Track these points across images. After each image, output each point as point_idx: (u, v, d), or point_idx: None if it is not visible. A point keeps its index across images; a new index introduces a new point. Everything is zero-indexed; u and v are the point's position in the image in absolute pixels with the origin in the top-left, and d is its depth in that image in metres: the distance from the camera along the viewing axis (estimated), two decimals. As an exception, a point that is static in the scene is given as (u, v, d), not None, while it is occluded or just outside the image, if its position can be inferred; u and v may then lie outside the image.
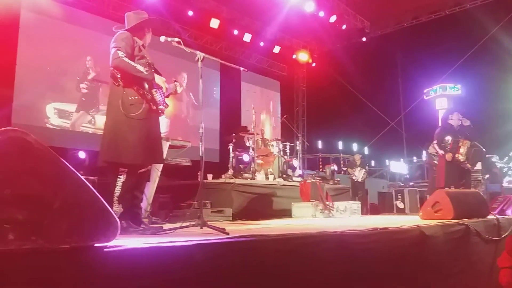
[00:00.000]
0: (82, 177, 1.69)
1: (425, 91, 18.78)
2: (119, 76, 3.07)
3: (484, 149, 5.62)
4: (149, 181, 4.30)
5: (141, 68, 3.11)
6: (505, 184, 10.97)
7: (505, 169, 13.32)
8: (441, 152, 5.95)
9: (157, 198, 5.28)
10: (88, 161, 6.35)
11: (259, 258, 2.19)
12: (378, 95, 13.94)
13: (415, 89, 15.99)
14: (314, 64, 12.61)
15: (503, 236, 4.21)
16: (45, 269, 1.47)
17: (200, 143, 3.25)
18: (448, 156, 5.85)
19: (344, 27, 11.07)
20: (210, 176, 6.17)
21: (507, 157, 14.60)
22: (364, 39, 11.67)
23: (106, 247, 1.68)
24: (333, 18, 10.60)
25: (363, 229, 3.06)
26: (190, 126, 9.67)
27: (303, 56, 12.35)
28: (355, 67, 12.02)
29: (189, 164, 5.57)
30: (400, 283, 2.93)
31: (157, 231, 2.95)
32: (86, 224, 1.65)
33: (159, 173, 4.79)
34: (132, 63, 3.08)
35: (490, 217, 4.52)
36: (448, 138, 5.78)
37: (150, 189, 4.62)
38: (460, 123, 5.89)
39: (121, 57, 3.02)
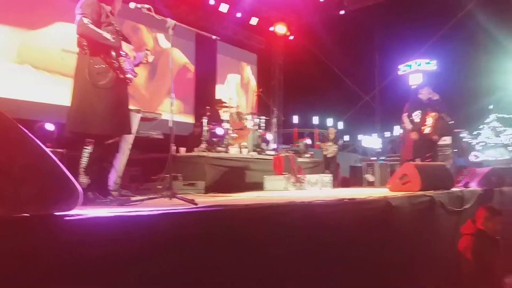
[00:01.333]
0: (42, 146, 1.63)
1: (399, 66, 19.00)
2: (85, 43, 2.96)
3: (452, 121, 5.67)
4: (117, 152, 4.22)
5: (107, 35, 2.99)
6: (472, 158, 11.38)
7: (472, 144, 13.81)
8: (409, 126, 6.02)
9: (128, 171, 5.21)
10: (56, 134, 6.16)
11: (226, 228, 2.20)
12: (354, 70, 14.00)
13: (391, 64, 16.15)
14: (292, 37, 12.48)
15: (465, 207, 4.39)
16: (6, 238, 1.44)
17: (171, 113, 3.19)
18: (414, 135, 5.94)
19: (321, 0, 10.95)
20: (183, 150, 6.11)
21: (475, 132, 15.10)
22: (342, 12, 11.58)
23: (67, 215, 1.66)
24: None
25: (330, 199, 3.13)
26: (162, 97, 9.48)
27: (280, 29, 12.19)
28: (332, 41, 11.97)
29: (160, 137, 5.47)
30: (366, 251, 3.02)
31: (124, 202, 2.92)
32: (47, 192, 1.62)
33: (130, 146, 4.70)
34: (99, 30, 2.96)
35: (454, 189, 4.70)
36: (417, 112, 5.81)
37: (121, 162, 4.53)
38: (430, 97, 5.90)
39: (87, 24, 2.89)
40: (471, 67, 13.35)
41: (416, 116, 5.79)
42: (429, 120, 5.65)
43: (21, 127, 1.59)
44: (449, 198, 4.21)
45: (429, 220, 3.88)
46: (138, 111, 4.71)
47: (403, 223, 3.53)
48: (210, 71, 10.82)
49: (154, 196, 3.06)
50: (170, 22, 3.23)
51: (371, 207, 3.26)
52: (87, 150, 3.04)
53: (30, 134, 1.62)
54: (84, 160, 3.01)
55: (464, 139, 12.15)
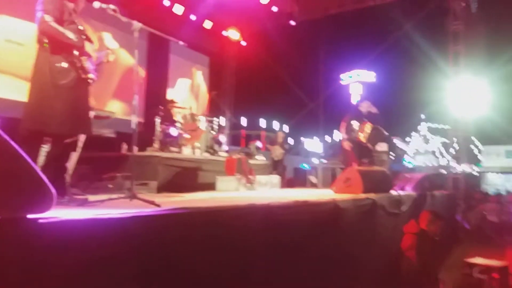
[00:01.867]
0: (17, 147, 1.62)
1: (341, 76, 20.04)
2: (46, 41, 2.89)
3: (386, 133, 6.44)
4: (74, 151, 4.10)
5: (70, 34, 2.95)
6: (405, 164, 12.32)
7: (405, 151, 14.94)
8: (345, 135, 6.60)
9: (77, 169, 5.05)
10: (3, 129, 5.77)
11: (192, 230, 2.29)
12: (301, 77, 14.54)
13: (334, 74, 17.00)
14: (244, 43, 12.66)
15: (403, 209, 4.83)
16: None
17: (133, 115, 3.20)
18: (346, 145, 6.55)
19: (274, 9, 11.25)
20: (135, 149, 6.01)
21: (408, 139, 16.33)
22: (292, 22, 11.98)
23: (40, 218, 1.66)
24: (265, 0, 10.72)
25: (286, 202, 3.32)
26: (106, 98, 9.19)
27: (233, 34, 12.32)
28: (282, 49, 12.37)
29: (113, 135, 5.38)
30: (317, 249, 3.25)
31: (83, 203, 2.89)
32: (20, 195, 1.61)
33: (81, 144, 4.57)
34: (61, 28, 2.91)
35: (393, 192, 5.13)
36: (356, 122, 6.36)
37: (72, 160, 4.40)
38: (369, 110, 6.47)
39: (48, 21, 2.83)
40: (408, 82, 14.46)
41: (355, 125, 6.29)
42: (365, 130, 6.16)
43: (-5, 129, 1.58)
44: (389, 201, 4.61)
45: (371, 221, 4.22)
46: (91, 109, 4.58)
47: (349, 223, 3.82)
48: (162, 72, 10.66)
49: (115, 196, 3.04)
50: (136, 25, 3.24)
51: (322, 209, 3.50)
52: (44, 149, 2.97)
53: (4, 136, 1.61)
54: (41, 159, 2.93)
55: (398, 146, 13.11)
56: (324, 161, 10.11)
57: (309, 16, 12.16)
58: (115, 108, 8.76)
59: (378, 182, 5.08)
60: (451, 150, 10.56)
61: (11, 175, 1.59)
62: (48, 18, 2.84)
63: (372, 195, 4.43)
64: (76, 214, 1.94)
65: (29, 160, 1.67)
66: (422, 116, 15.17)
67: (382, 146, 10.26)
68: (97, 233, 1.82)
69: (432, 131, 15.18)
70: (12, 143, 1.63)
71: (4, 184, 1.56)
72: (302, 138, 16.01)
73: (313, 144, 16.09)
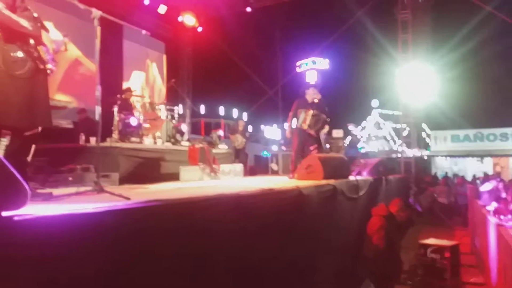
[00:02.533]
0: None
1: (297, 63, 20.36)
2: None
3: (328, 119, 6.45)
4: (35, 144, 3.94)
5: (25, 22, 2.81)
6: (359, 149, 12.86)
7: (359, 137, 15.57)
8: (290, 125, 6.64)
9: (33, 161, 4.83)
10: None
11: (165, 221, 2.32)
12: (259, 64, 14.62)
13: (292, 61, 17.22)
14: (200, 29, 12.48)
15: (360, 194, 5.10)
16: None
17: (97, 106, 3.13)
18: (288, 133, 6.74)
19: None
20: (92, 140, 5.84)
21: (360, 126, 16.98)
22: (248, 9, 11.96)
23: (15, 216, 1.63)
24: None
25: (254, 190, 3.41)
26: (72, 84, 8.76)
27: (189, 20, 12.10)
28: (239, 36, 12.35)
29: (70, 126, 5.19)
30: (283, 235, 3.39)
31: (48, 198, 2.81)
32: (-7, 193, 1.57)
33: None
34: (14, 16, 2.76)
35: (351, 178, 5.38)
36: (301, 111, 6.42)
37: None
38: (314, 97, 6.56)
39: (0, 9, 2.68)
40: (361, 68, 14.97)
41: (300, 113, 6.42)
42: (307, 118, 6.29)
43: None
44: (347, 186, 4.84)
45: (332, 206, 4.43)
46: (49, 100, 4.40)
47: (312, 208, 3.99)
48: (116, 61, 10.29)
49: (82, 190, 2.98)
50: (96, 12, 3.15)
51: (287, 196, 3.63)
52: (3, 142, 2.84)
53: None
54: (0, 153, 2.81)
55: (352, 132, 13.66)
56: (284, 148, 10.32)
57: (264, 2, 12.21)
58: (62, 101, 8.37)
59: (337, 169, 5.31)
60: (402, 135, 11.17)
61: (-17, 174, 1.55)
62: (0, 5, 2.70)
63: (332, 181, 4.64)
64: (49, 210, 1.91)
65: (1, 158, 1.63)
66: (375, 103, 15.78)
67: (338, 133, 10.66)
68: (73, 229, 1.80)
69: (384, 117, 15.88)
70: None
71: (-24, 183, 1.52)
72: (262, 126, 16.17)
73: (272, 131, 16.32)
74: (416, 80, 11.18)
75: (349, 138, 13.36)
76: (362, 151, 13.35)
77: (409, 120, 10.95)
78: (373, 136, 15.95)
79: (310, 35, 14.97)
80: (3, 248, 1.53)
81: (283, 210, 3.46)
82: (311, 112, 6.31)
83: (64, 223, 1.79)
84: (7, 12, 2.73)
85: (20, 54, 2.82)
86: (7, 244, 1.55)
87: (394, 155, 12.91)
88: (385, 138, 15.66)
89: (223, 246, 2.65)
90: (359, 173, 6.08)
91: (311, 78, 21.01)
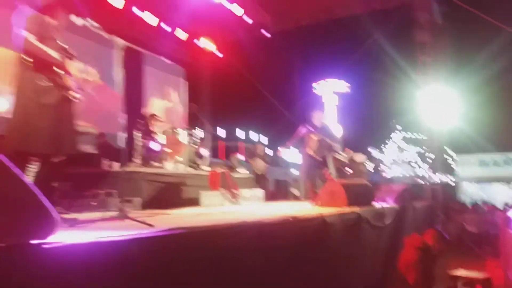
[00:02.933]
0: (21, 174, 1.60)
1: (314, 85, 20.44)
2: (29, 60, 2.86)
3: (335, 144, 6.54)
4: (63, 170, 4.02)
5: (53, 52, 2.93)
6: (383, 174, 12.60)
7: (382, 161, 15.29)
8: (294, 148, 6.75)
9: (58, 186, 4.92)
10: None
11: (188, 250, 2.29)
12: (277, 87, 14.72)
13: (310, 84, 17.28)
14: (219, 54, 12.73)
15: (387, 223, 4.94)
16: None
17: (121, 133, 3.19)
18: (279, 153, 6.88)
19: (249, 20, 11.39)
20: (116, 165, 5.92)
21: (384, 149, 16.72)
22: (266, 34, 12.15)
23: (44, 244, 1.64)
24: (239, 11, 10.84)
25: (277, 218, 3.36)
26: (93, 110, 8.97)
27: (208, 45, 12.37)
28: (258, 60, 12.49)
29: (95, 151, 5.29)
30: (306, 264, 3.30)
31: (74, 223, 2.83)
32: (23, 221, 1.60)
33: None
34: (44, 47, 2.89)
35: (377, 205, 5.24)
36: (308, 135, 6.42)
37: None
38: (321, 121, 6.55)
39: (31, 41, 2.81)
40: (380, 91, 14.84)
41: (308, 138, 6.42)
42: (311, 143, 6.30)
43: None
44: (372, 214, 4.71)
45: (357, 234, 4.31)
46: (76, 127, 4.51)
47: (335, 237, 3.89)
48: (137, 83, 10.54)
49: (106, 216, 3.00)
50: (119, 42, 3.24)
51: (310, 224, 3.55)
52: (32, 169, 2.90)
53: (8, 163, 1.59)
54: (29, 180, 2.85)
55: (375, 157, 13.42)
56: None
57: (282, 27, 12.37)
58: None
59: (361, 195, 5.19)
60: (427, 160, 10.86)
61: (14, 201, 1.58)
62: (31, 37, 2.83)
63: (356, 209, 4.53)
64: (76, 237, 1.91)
65: (31, 185, 1.65)
66: (397, 126, 15.57)
67: (360, 157, 10.49)
68: (99, 257, 1.81)
69: (407, 140, 15.59)
70: (15, 169, 1.61)
71: (8, 211, 1.55)
72: (279, 148, 16.11)
73: (291, 154, 16.23)
74: (439, 103, 10.98)
75: (371, 163, 13.16)
76: (386, 176, 13.08)
77: (433, 144, 10.66)
78: (397, 160, 15.63)
79: (329, 57, 15.06)
80: (33, 276, 1.53)
81: (306, 238, 3.38)
82: (315, 137, 6.31)
83: (91, 251, 1.79)
84: (37, 43, 2.85)
85: (48, 83, 2.92)
86: (36, 271, 1.56)
87: (419, 181, 12.59)
88: (408, 162, 15.31)
89: (245, 276, 2.59)
90: (383, 200, 5.93)
91: (329, 100, 20.99)
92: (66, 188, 5.24)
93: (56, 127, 2.95)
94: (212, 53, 12.72)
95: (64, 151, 3.15)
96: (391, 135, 15.98)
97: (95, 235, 1.98)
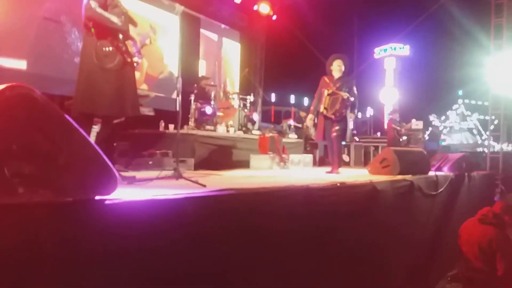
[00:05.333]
0: (85, 134, 1.74)
1: (375, 50, 19.45)
2: (92, 26, 2.99)
3: (351, 99, 5.20)
4: (122, 131, 4.29)
5: (115, 19, 3.04)
6: (440, 142, 12.01)
7: (441, 128, 14.51)
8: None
9: (117, 145, 5.26)
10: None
11: (238, 210, 2.39)
12: (333, 52, 14.20)
13: (368, 48, 16.50)
14: (275, 17, 12.47)
15: (439, 190, 4.78)
16: (52, 221, 1.56)
17: (177, 98, 3.30)
18: (307, 120, 5.61)
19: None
20: (171, 127, 6.19)
21: (443, 116, 15.82)
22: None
23: (106, 200, 1.79)
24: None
25: (325, 183, 3.37)
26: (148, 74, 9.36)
27: (264, 8, 12.12)
28: (314, 23, 12.09)
29: (152, 113, 5.55)
30: (355, 231, 3.31)
31: (133, 181, 3.04)
32: (88, 178, 1.73)
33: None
34: (106, 13, 3.00)
35: (430, 173, 5.06)
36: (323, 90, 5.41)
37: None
38: (340, 69, 5.50)
39: (94, 8, 2.92)
40: (444, 57, 13.86)
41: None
42: (323, 99, 5.31)
43: (66, 117, 1.69)
44: (426, 182, 4.57)
45: (408, 203, 4.22)
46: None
47: (385, 205, 3.84)
48: (193, 47, 10.69)
49: (162, 175, 3.18)
50: (178, 7, 3.29)
51: (360, 191, 3.53)
52: (95, 129, 3.12)
53: (74, 124, 1.73)
54: (92, 140, 3.08)
55: (433, 123, 12.78)
56: (356, 138, 10.00)
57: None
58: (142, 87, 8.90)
59: (415, 163, 5.01)
60: (490, 128, 10.17)
61: (81, 160, 1.71)
62: (94, 4, 2.93)
63: (409, 177, 4.41)
64: (134, 194, 2.07)
65: (95, 146, 1.79)
66: (460, 93, 14.53)
67: (417, 124, 10.06)
68: (156, 213, 1.94)
69: (469, 107, 14.58)
70: (80, 130, 1.75)
71: (75, 169, 1.68)
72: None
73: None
74: (510, 69, 10.09)
75: (429, 130, 12.53)
76: (444, 144, 12.45)
77: (499, 112, 9.90)
78: (456, 128, 14.75)
79: (389, 21, 14.14)
80: (97, 230, 1.69)
81: (354, 205, 3.37)
82: (326, 91, 5.35)
83: (148, 207, 1.93)
84: (100, 10, 2.97)
85: (110, 48, 3.06)
86: (99, 225, 1.72)
87: (479, 149, 11.85)
88: (470, 130, 14.38)
89: (291, 238, 2.66)
90: (439, 169, 5.70)
91: (390, 65, 19.98)
92: (125, 147, 5.61)
93: (119, 90, 3.10)
94: (267, 17, 12.49)
95: (126, 113, 3.34)
96: (453, 103, 15.03)
97: (152, 193, 2.12)
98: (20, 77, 6.39)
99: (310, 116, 5.51)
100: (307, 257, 2.79)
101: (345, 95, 5.24)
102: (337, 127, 5.27)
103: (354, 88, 5.46)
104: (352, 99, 5.33)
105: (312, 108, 5.56)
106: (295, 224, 2.69)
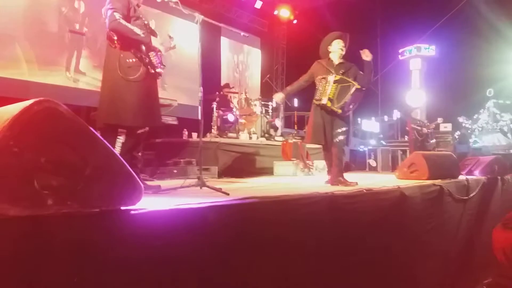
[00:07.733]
0: (110, 146, 1.77)
1: (400, 51, 19.06)
2: (115, 38, 3.06)
3: (362, 88, 4.11)
4: (146, 141, 4.36)
5: (138, 30, 3.10)
6: (471, 144, 11.61)
7: (471, 130, 14.03)
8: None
9: (142, 155, 5.35)
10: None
11: (261, 219, 2.37)
12: (356, 54, 14.03)
13: (392, 49, 16.18)
14: (295, 21, 12.46)
15: (471, 195, 4.61)
16: (79, 231, 1.60)
17: (199, 107, 3.32)
18: (277, 98, 4.68)
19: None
20: (194, 135, 6.25)
21: (475, 116, 15.28)
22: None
23: (131, 210, 1.81)
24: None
25: (351, 190, 3.31)
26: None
27: (284, 13, 12.16)
28: (335, 26, 11.97)
29: (175, 122, 5.62)
30: (382, 239, 3.22)
31: (158, 191, 3.08)
32: (114, 189, 1.76)
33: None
34: (129, 25, 3.06)
35: (460, 177, 4.89)
36: (320, 78, 4.29)
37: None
38: (341, 51, 4.38)
39: (118, 19, 2.99)
40: (472, 55, 13.42)
41: (319, 82, 4.40)
42: (327, 87, 4.21)
43: (91, 129, 1.73)
44: (456, 187, 4.42)
45: (438, 208, 4.08)
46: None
47: (414, 211, 3.73)
48: (214, 54, 10.81)
49: (186, 184, 3.21)
50: (198, 16, 3.32)
51: (387, 197, 3.44)
52: (120, 140, 3.18)
53: (99, 136, 1.76)
54: (117, 150, 3.14)
55: (464, 125, 12.36)
56: (383, 142, 9.78)
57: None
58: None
59: (444, 167, 4.86)
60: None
61: (107, 171, 1.74)
62: (117, 15, 3.00)
63: (439, 181, 4.27)
64: (158, 204, 2.09)
65: (120, 157, 1.82)
66: (489, 92, 14.00)
67: (446, 126, 9.75)
68: (180, 223, 1.95)
69: (500, 107, 14.04)
70: (105, 142, 1.78)
71: (102, 180, 1.72)
72: (359, 119, 15.54)
73: (370, 124, 15.60)
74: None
75: (459, 133, 12.14)
76: (474, 146, 12.01)
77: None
78: (488, 129, 14.23)
79: (414, 20, 13.85)
80: (123, 239, 1.72)
81: (381, 212, 3.29)
82: (332, 77, 4.08)
83: (172, 217, 1.94)
84: (123, 22, 3.03)
85: (134, 60, 3.12)
86: (125, 235, 1.74)
87: (512, 151, 11.40)
88: (502, 131, 13.82)
89: (316, 246, 2.62)
90: (470, 172, 5.49)
91: (415, 66, 19.53)
92: (150, 156, 5.70)
93: (142, 101, 3.16)
94: (288, 21, 12.50)
95: (150, 123, 3.39)
96: (483, 103, 14.53)
97: (176, 202, 2.14)
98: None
99: (281, 94, 4.58)
100: (332, 266, 2.73)
101: (357, 84, 4.09)
102: (343, 128, 4.13)
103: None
104: (364, 89, 4.18)
105: (288, 87, 4.59)
106: (320, 232, 2.65)
